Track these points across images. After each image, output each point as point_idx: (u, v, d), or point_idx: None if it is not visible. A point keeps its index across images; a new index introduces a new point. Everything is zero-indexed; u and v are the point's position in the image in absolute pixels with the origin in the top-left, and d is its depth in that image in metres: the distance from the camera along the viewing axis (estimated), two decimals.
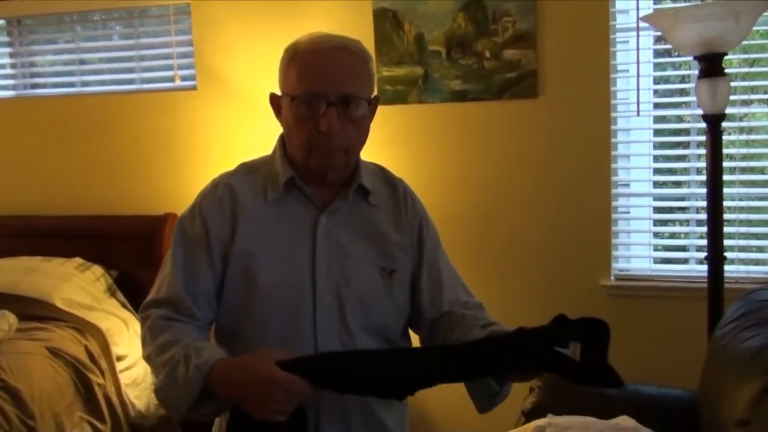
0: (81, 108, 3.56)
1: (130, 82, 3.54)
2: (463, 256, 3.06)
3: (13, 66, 3.72)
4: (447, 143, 3.08)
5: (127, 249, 3.40)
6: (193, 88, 3.37)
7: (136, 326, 3.20)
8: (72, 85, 3.65)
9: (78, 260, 3.31)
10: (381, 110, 3.01)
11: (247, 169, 1.65)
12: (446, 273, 1.71)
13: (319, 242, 1.55)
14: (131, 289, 3.32)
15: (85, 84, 3.64)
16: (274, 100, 1.61)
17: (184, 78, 3.41)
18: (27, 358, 2.76)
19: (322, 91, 1.49)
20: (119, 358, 3.03)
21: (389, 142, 3.12)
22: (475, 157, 3.05)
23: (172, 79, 3.41)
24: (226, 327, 1.60)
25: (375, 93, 1.63)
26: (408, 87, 3.05)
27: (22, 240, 3.48)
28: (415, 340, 1.76)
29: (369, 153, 3.12)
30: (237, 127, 3.30)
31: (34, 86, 3.73)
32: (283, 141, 1.63)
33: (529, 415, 2.32)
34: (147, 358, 1.55)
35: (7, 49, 3.71)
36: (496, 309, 3.02)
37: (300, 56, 1.53)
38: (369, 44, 3.04)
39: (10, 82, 3.74)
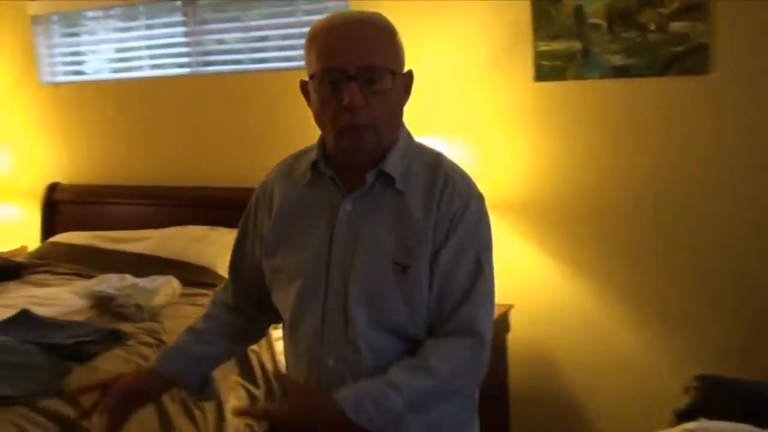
0: (247, 84, 3.69)
1: (291, 59, 3.61)
2: (617, 244, 2.94)
3: (187, 44, 3.92)
4: (606, 122, 2.92)
5: None
6: None
7: None
8: (240, 62, 3.80)
9: None
10: (537, 86, 2.99)
11: (305, 150, 1.64)
12: (457, 280, 1.49)
13: (337, 228, 1.51)
14: None
15: (254, 61, 3.76)
16: (303, 87, 1.55)
17: None
18: (188, 322, 2.87)
19: (342, 65, 1.43)
20: (275, 328, 3.14)
21: (544, 119, 3.01)
22: (637, 138, 2.87)
23: None
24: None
25: (405, 69, 1.54)
26: (566, 62, 2.91)
27: (191, 209, 3.68)
28: None
29: (522, 130, 3.06)
30: None
31: (207, 64, 3.91)
32: None
33: (682, 417, 2.18)
34: None
35: (182, 29, 3.91)
36: (658, 302, 2.90)
37: (318, 36, 1.48)
38: (525, 18, 2.95)
39: (185, 59, 3.94)
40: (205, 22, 3.86)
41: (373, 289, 1.48)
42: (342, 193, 1.53)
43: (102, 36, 4.17)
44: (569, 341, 3.06)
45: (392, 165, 1.51)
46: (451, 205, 1.50)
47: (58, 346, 2.50)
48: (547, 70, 2.95)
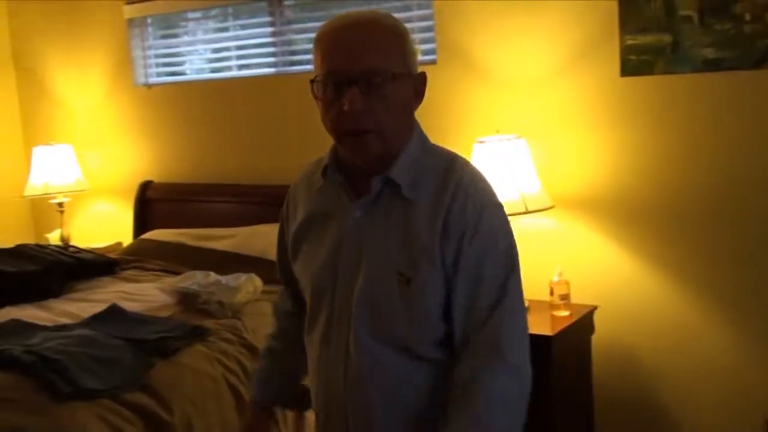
0: None
1: None
2: (706, 244, 2.82)
3: (274, 44, 3.97)
4: (697, 119, 2.79)
5: None
6: (433, 62, 3.37)
7: None
8: None
9: None
10: (623, 82, 2.90)
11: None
12: (479, 299, 1.40)
13: (345, 235, 1.48)
14: None
15: None
16: (313, 90, 1.47)
17: (425, 52, 3.42)
18: (267, 319, 2.92)
19: (343, 68, 1.38)
20: None
21: (631, 115, 2.91)
22: (730, 135, 2.74)
23: None
24: None
25: (417, 70, 1.47)
26: (654, 56, 2.80)
27: (276, 208, 3.70)
28: None
29: (609, 127, 2.96)
30: (474, 99, 3.26)
31: (293, 63, 3.95)
32: None
33: None
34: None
35: (269, 29, 3.96)
36: (749, 303, 2.76)
37: (323, 38, 1.43)
38: (612, 11, 2.87)
39: (272, 59, 3.99)
40: (291, 22, 3.90)
41: (375, 298, 1.43)
42: (351, 200, 1.50)
43: (194, 38, 4.28)
44: (655, 342, 2.95)
45: (399, 171, 1.45)
46: (462, 216, 1.40)
47: (142, 341, 2.58)
48: (634, 64, 2.85)
